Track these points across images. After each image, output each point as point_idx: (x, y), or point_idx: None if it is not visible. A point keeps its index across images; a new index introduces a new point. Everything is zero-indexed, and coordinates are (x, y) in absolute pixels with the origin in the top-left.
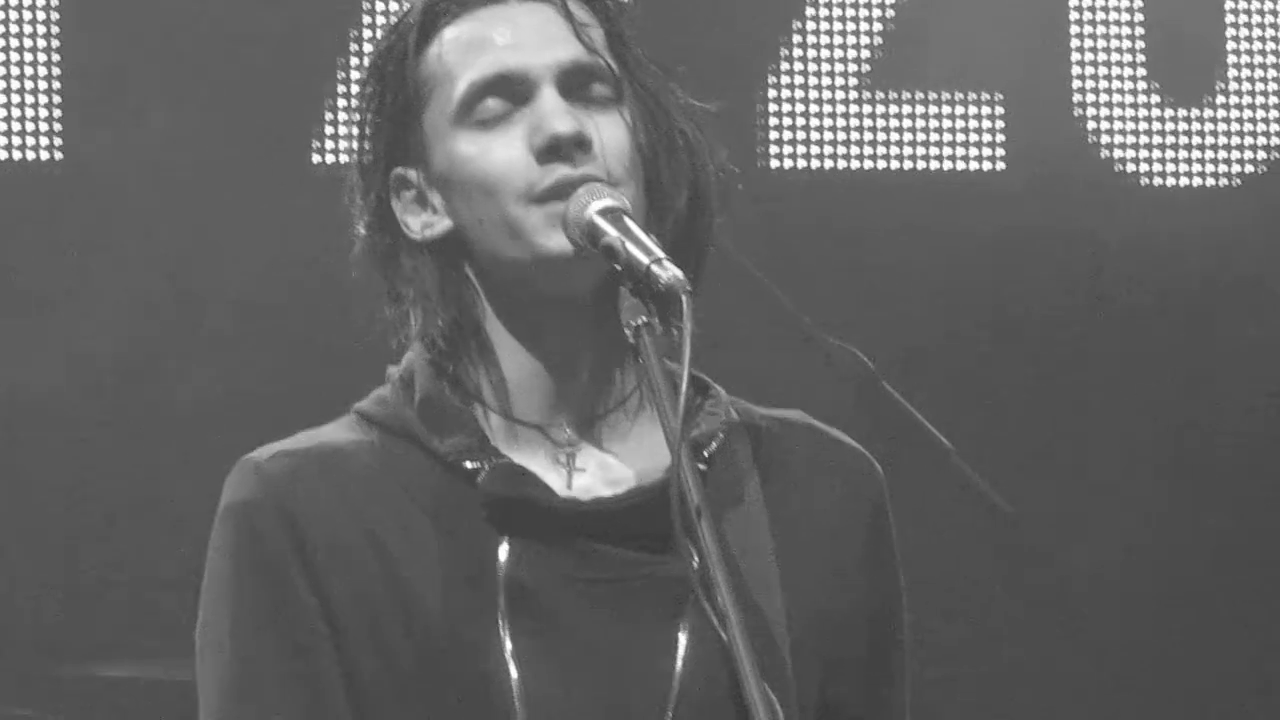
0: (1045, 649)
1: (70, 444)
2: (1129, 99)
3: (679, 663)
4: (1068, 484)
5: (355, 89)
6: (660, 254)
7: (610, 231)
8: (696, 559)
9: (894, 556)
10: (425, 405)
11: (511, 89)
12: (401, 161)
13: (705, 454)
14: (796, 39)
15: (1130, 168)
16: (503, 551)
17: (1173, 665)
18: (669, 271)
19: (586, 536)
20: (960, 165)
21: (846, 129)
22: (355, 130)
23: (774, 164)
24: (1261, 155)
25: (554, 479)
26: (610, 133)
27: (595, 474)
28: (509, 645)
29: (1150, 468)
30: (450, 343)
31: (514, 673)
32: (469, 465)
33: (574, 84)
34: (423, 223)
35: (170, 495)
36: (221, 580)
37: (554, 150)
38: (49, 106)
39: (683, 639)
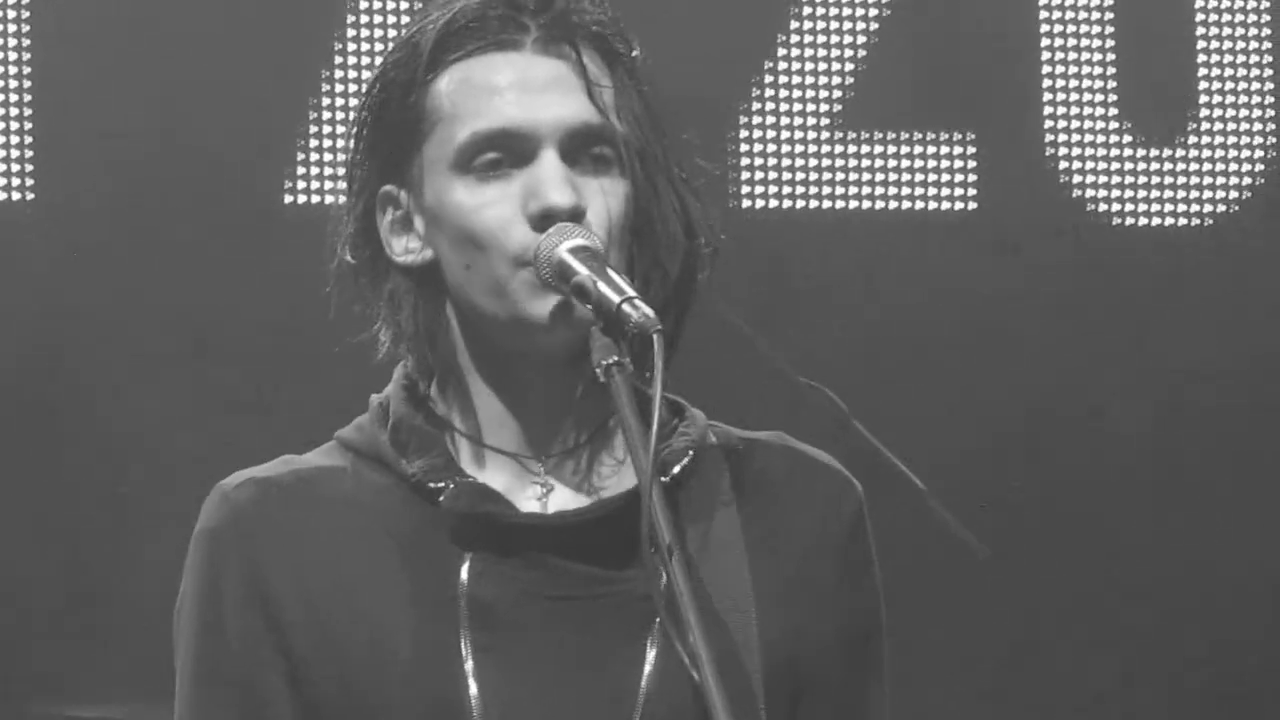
0: (1019, 688)
1: (34, 483)
2: (1100, 139)
3: (644, 680)
4: (1043, 523)
5: (334, 125)
6: (631, 293)
7: (581, 270)
8: (663, 592)
9: (872, 577)
10: (396, 429)
11: (513, 145)
12: (392, 180)
13: (674, 471)
14: (768, 79)
15: (1102, 207)
16: (464, 569)
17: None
18: (640, 310)
19: (550, 552)
20: (932, 205)
21: (818, 168)
22: (352, 137)
23: (745, 203)
24: (1234, 195)
25: (524, 500)
26: (606, 199)
27: (566, 496)
28: (470, 663)
29: (1125, 505)
30: (421, 370)
31: (474, 690)
32: (433, 485)
33: (578, 145)
34: (405, 247)
35: (136, 534)
36: (186, 605)
37: (548, 220)
38: (20, 147)
39: (649, 656)
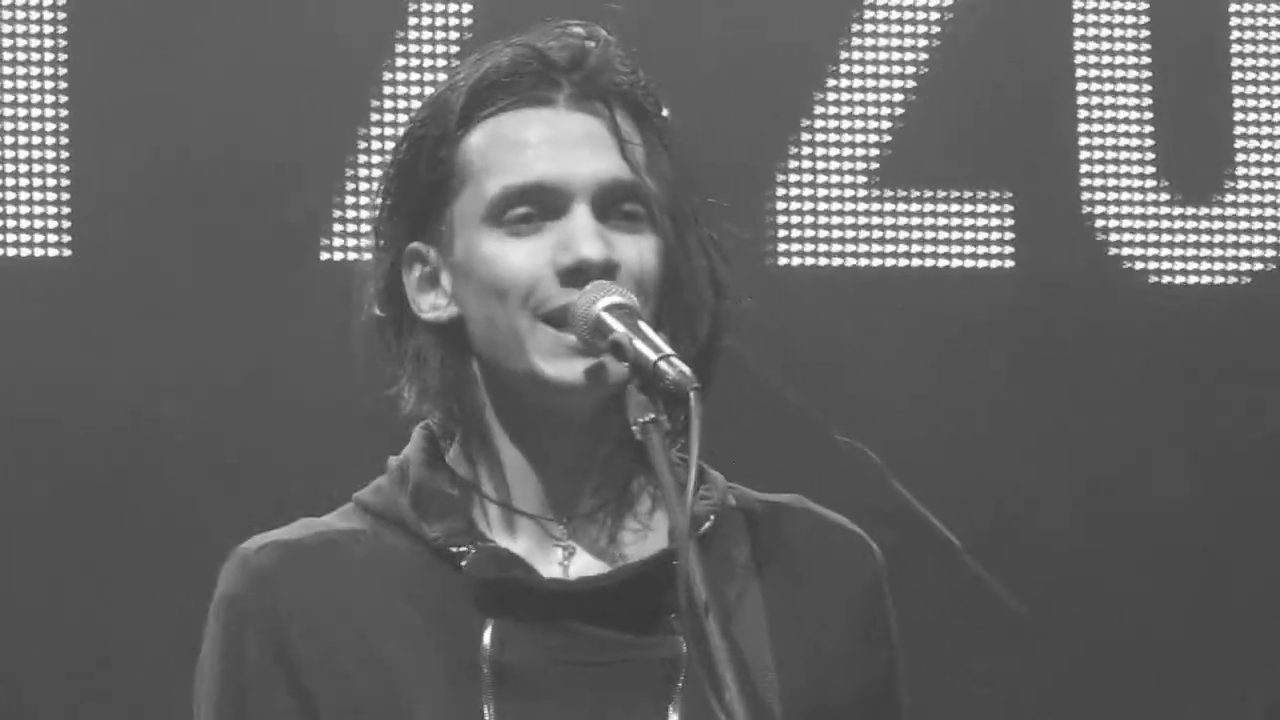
0: None
1: (56, 532)
2: (1137, 196)
3: None
4: (1081, 578)
5: (370, 182)
6: (668, 350)
7: (618, 328)
8: (698, 650)
9: (890, 640)
10: (417, 492)
11: (545, 199)
12: (419, 237)
13: (700, 532)
14: (805, 136)
15: (1139, 265)
16: (486, 635)
17: None
18: (676, 368)
19: (573, 618)
20: (969, 263)
21: (855, 226)
22: (380, 194)
23: (781, 261)
24: (1271, 253)
25: (547, 564)
26: (636, 255)
27: (588, 559)
28: None
29: (1165, 565)
30: (444, 428)
31: None
32: (455, 550)
33: (609, 201)
34: (431, 304)
35: (162, 590)
36: (206, 671)
37: (579, 273)
38: (58, 204)
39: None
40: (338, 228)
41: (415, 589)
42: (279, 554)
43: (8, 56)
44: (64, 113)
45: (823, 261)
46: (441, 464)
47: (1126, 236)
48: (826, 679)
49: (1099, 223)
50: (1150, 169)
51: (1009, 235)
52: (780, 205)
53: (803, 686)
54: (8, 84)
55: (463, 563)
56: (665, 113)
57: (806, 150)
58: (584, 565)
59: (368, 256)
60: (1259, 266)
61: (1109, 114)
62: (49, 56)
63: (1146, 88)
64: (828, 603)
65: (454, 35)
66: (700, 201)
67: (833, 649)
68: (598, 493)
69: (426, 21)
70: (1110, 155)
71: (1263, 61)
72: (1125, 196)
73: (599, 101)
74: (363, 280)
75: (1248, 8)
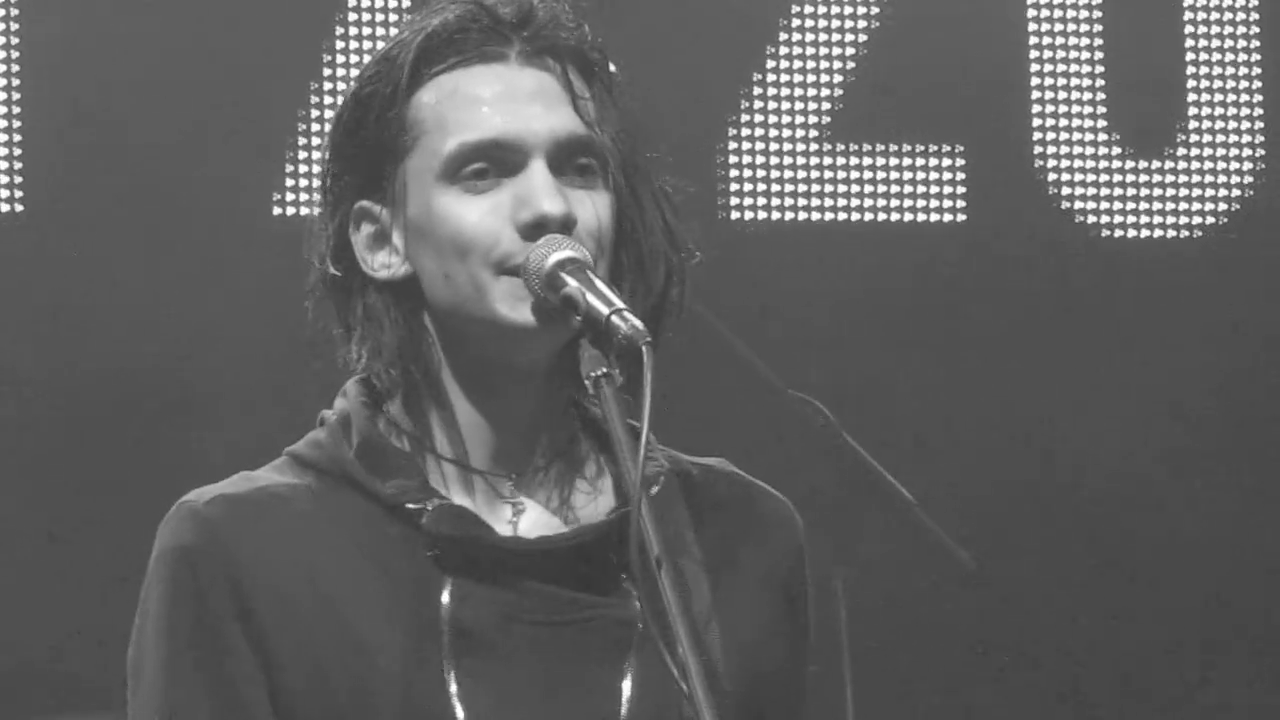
0: (1010, 702)
1: (22, 482)
2: (1089, 150)
3: (624, 705)
4: (1032, 535)
5: (322, 138)
6: (621, 305)
7: (570, 282)
8: (650, 604)
9: (809, 604)
10: (364, 448)
11: (501, 155)
12: (368, 195)
13: (653, 491)
14: (757, 90)
15: (1091, 219)
16: (445, 593)
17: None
18: (629, 323)
19: (531, 577)
20: (921, 217)
21: (807, 180)
22: (327, 153)
23: (734, 215)
24: (1223, 206)
25: (497, 522)
26: (592, 210)
27: (539, 517)
28: (454, 686)
29: (1111, 521)
30: (393, 385)
31: (460, 713)
32: (411, 506)
33: (564, 156)
34: (382, 262)
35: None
36: (156, 627)
37: (539, 228)
38: (9, 159)
39: (628, 681)
40: (289, 183)
41: (369, 546)
42: (230, 506)
43: None
44: (15, 68)
45: (775, 215)
46: (385, 418)
47: (1078, 190)
48: (759, 641)
49: (1050, 176)
50: (1102, 122)
51: (961, 189)
52: (733, 159)
53: (741, 646)
54: None
55: (421, 520)
56: (612, 68)
57: (759, 104)
58: (534, 522)
59: (318, 213)
60: (1210, 220)
61: (1060, 67)
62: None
63: (1098, 41)
64: (758, 568)
65: None
66: (652, 155)
67: (763, 613)
68: (546, 451)
69: None
70: (1062, 109)
71: (1215, 15)
72: (1077, 150)
73: (550, 57)
74: (311, 239)
75: None
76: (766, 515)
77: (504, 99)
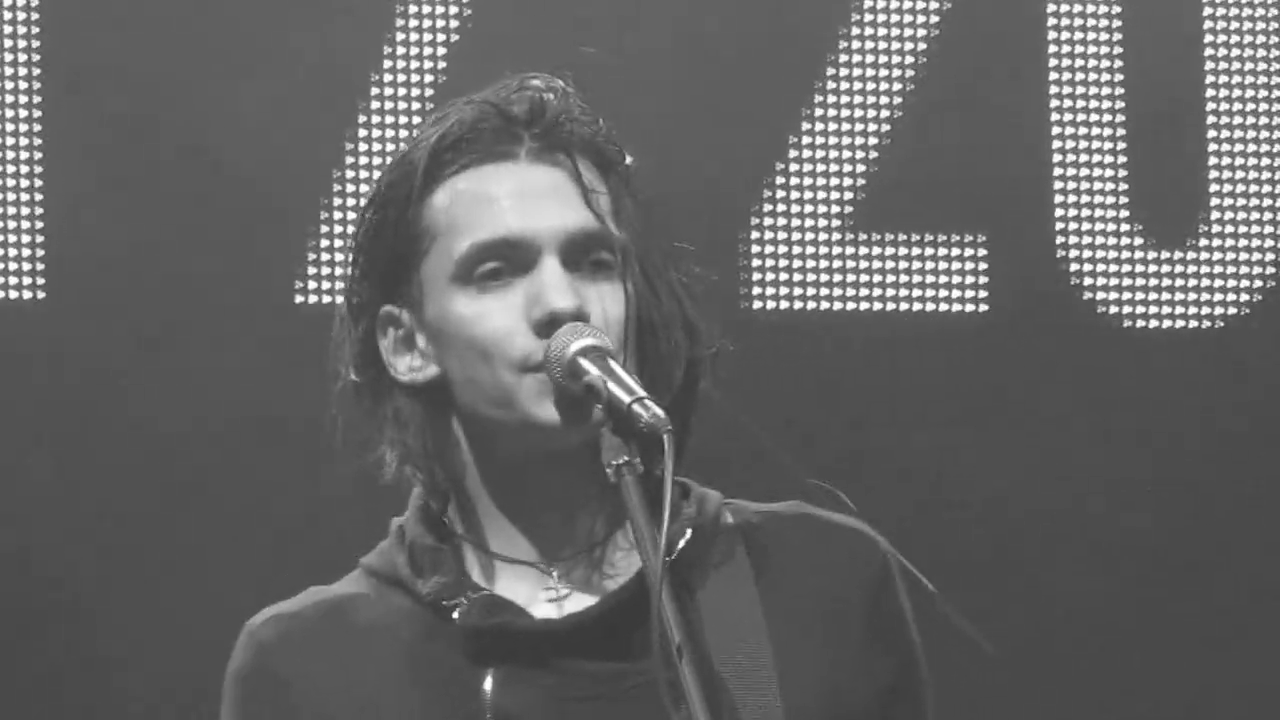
0: None
1: (46, 593)
2: (1111, 240)
3: None
4: (1056, 630)
5: (345, 225)
6: (642, 393)
7: (592, 371)
8: (671, 693)
9: (906, 632)
10: (412, 550)
11: (513, 254)
12: (392, 300)
13: (678, 547)
14: (780, 180)
15: (1113, 310)
16: (488, 682)
17: None
18: (650, 411)
19: (569, 655)
20: (943, 307)
21: (829, 270)
22: (350, 259)
23: (755, 304)
24: (1245, 297)
25: (540, 608)
26: (608, 305)
27: (578, 597)
28: None
29: (1128, 597)
30: (430, 488)
31: None
32: (447, 603)
33: (577, 251)
34: (409, 365)
35: (146, 656)
36: None
37: (552, 325)
38: (31, 246)
39: None
40: (312, 270)
41: (414, 647)
42: (282, 626)
43: None
44: (38, 155)
45: (797, 305)
46: (435, 521)
47: (1100, 280)
48: (838, 685)
49: (1073, 266)
50: (1125, 212)
51: (983, 279)
52: (755, 248)
53: (813, 697)
54: None
55: (454, 614)
56: (628, 160)
57: (781, 194)
58: (577, 605)
59: (341, 300)
60: (1233, 310)
61: (1083, 157)
62: (23, 113)
63: (1121, 131)
64: (832, 605)
65: (429, 78)
66: (670, 246)
67: (843, 653)
68: (587, 535)
69: (401, 65)
70: (1084, 199)
71: (1237, 105)
72: (1099, 240)
73: (561, 153)
74: (337, 345)
75: (1222, 53)
76: (837, 550)
77: (514, 197)
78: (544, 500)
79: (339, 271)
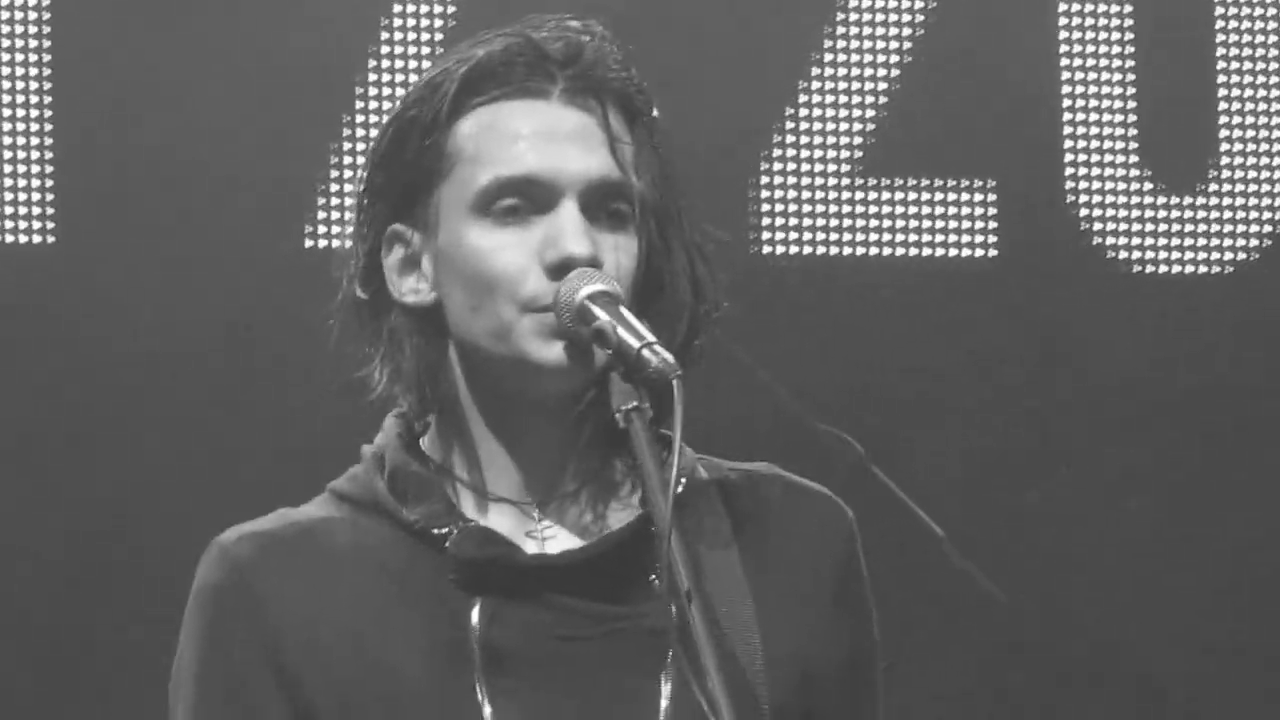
0: None
1: (44, 524)
2: (1121, 185)
3: (662, 716)
4: (1061, 573)
5: (359, 163)
6: (651, 338)
7: (601, 316)
8: (681, 637)
9: (867, 603)
10: (394, 477)
11: (534, 192)
12: (402, 219)
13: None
14: (789, 125)
15: (1122, 254)
16: (475, 613)
17: None
18: (659, 356)
19: (559, 592)
20: (952, 252)
21: (839, 215)
22: (364, 173)
23: (765, 249)
24: (1254, 243)
25: (524, 544)
26: (621, 255)
27: (566, 539)
28: (488, 708)
29: (1144, 553)
30: (417, 413)
31: None
32: (437, 531)
33: (597, 199)
34: (410, 287)
35: (157, 574)
36: (186, 664)
37: (565, 269)
38: (41, 190)
39: (665, 690)
40: (321, 214)
41: (398, 573)
42: (257, 544)
43: None
44: (48, 100)
45: (807, 250)
46: (417, 449)
47: (1110, 225)
48: (808, 646)
49: (1083, 211)
50: (1134, 157)
51: (993, 224)
52: (765, 194)
53: (788, 654)
54: None
55: (446, 544)
56: (655, 113)
57: (790, 139)
58: (561, 543)
59: (349, 242)
60: (1242, 256)
61: (1093, 102)
62: (33, 57)
63: (1130, 76)
64: (805, 569)
65: (439, 23)
66: (685, 203)
67: (814, 610)
68: (575, 477)
69: (411, 8)
70: (1094, 144)
71: (1246, 50)
72: (1109, 185)
73: (592, 98)
74: (343, 260)
75: None
76: (811, 514)
77: (542, 136)
78: (532, 440)
79: (348, 216)
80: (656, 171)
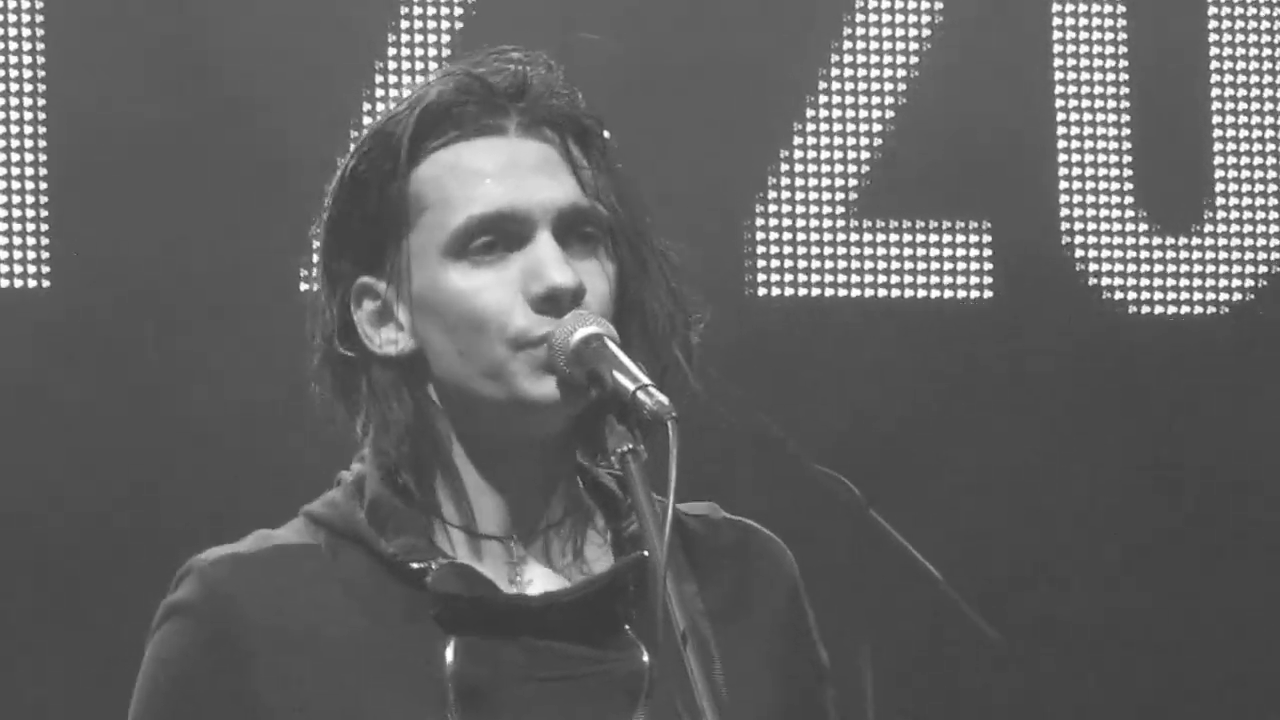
0: None
1: (51, 567)
2: (1116, 227)
3: None
4: (1058, 612)
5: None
6: (646, 380)
7: (596, 359)
8: (677, 681)
9: (813, 634)
10: (374, 508)
11: (508, 228)
12: (369, 272)
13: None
14: (784, 167)
15: (1118, 295)
16: (449, 651)
17: None
18: (654, 398)
19: (537, 634)
20: (947, 293)
21: (834, 256)
22: (325, 231)
23: (760, 291)
24: (1249, 283)
25: (503, 582)
26: (596, 279)
27: (545, 577)
28: None
29: (1137, 597)
30: (408, 462)
31: None
32: (415, 565)
33: (567, 226)
34: (387, 339)
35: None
36: (149, 677)
37: (551, 300)
38: (36, 235)
39: None
40: (315, 259)
41: (373, 606)
42: (233, 566)
43: None
44: (43, 144)
45: (801, 291)
46: (397, 481)
47: (1105, 266)
48: (773, 689)
49: (1078, 253)
50: (1129, 199)
51: (988, 265)
52: (759, 235)
53: (755, 696)
54: None
55: (426, 579)
56: (607, 134)
57: (785, 180)
58: (543, 581)
59: (317, 290)
60: (1237, 297)
61: (1088, 144)
62: (28, 86)
63: (1125, 117)
64: (764, 611)
65: (433, 64)
66: (651, 220)
67: (775, 656)
68: (553, 513)
69: (405, 53)
70: (1089, 185)
71: (1241, 92)
72: (1104, 226)
73: (548, 127)
74: (312, 318)
75: (1227, 39)
76: (762, 555)
77: (507, 171)
78: (518, 477)
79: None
80: (620, 192)
